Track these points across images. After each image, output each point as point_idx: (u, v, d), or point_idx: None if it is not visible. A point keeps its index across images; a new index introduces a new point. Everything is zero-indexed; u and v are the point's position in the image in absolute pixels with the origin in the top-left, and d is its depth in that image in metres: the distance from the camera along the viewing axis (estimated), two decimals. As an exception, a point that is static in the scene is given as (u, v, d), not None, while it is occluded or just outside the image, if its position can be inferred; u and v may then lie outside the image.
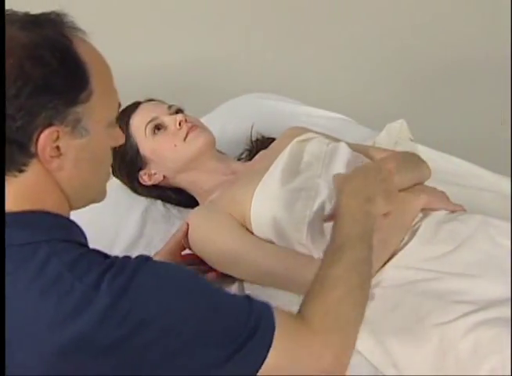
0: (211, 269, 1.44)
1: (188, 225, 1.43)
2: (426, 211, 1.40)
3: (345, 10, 2.87)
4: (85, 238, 0.97)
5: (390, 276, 1.30)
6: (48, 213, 0.92)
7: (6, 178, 0.89)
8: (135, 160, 1.59)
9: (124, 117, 1.59)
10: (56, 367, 0.84)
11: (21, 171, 0.89)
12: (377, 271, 1.29)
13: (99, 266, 0.87)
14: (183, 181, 1.61)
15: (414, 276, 1.28)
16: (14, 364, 0.85)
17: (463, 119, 2.67)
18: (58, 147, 0.90)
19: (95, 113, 0.93)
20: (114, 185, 1.70)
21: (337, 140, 1.58)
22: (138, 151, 1.57)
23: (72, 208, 0.98)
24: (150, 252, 1.51)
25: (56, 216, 0.93)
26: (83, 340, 0.83)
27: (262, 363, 0.89)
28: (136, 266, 0.89)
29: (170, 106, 1.60)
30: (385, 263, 1.31)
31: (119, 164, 1.62)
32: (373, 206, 1.12)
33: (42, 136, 0.87)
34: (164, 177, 1.61)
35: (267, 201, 1.38)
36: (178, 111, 1.60)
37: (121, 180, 1.68)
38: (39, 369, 0.84)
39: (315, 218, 1.35)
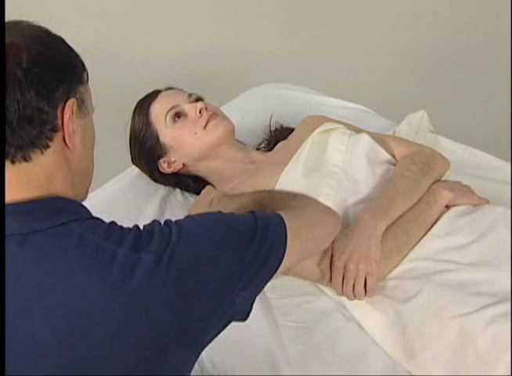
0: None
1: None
2: (450, 206, 1.39)
3: (367, 0, 2.86)
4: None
5: (409, 267, 1.29)
6: (63, 198, 0.93)
7: (19, 163, 0.89)
8: (155, 148, 1.59)
9: (144, 105, 1.60)
10: (120, 332, 0.85)
11: (47, 146, 0.90)
12: (398, 263, 1.29)
13: (129, 232, 0.91)
14: (203, 169, 1.61)
15: (433, 268, 1.27)
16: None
17: (484, 111, 2.65)
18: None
19: (89, 96, 0.98)
20: (134, 173, 1.71)
21: (357, 129, 1.58)
22: (158, 139, 1.58)
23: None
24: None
25: (71, 200, 0.94)
26: (138, 299, 0.85)
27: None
28: (170, 227, 0.93)
29: (190, 95, 1.61)
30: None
31: (139, 151, 1.62)
32: None
33: (67, 107, 0.91)
34: (184, 165, 1.61)
35: (289, 192, 1.38)
36: (199, 99, 1.60)
37: (140, 168, 1.68)
38: (104, 342, 0.85)
39: (337, 209, 1.34)
